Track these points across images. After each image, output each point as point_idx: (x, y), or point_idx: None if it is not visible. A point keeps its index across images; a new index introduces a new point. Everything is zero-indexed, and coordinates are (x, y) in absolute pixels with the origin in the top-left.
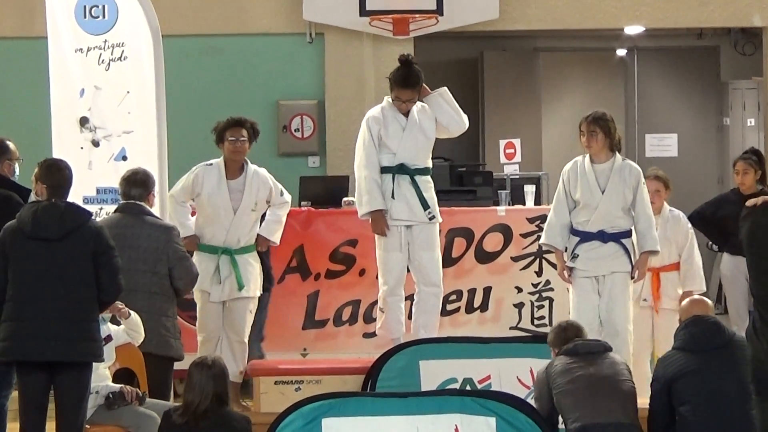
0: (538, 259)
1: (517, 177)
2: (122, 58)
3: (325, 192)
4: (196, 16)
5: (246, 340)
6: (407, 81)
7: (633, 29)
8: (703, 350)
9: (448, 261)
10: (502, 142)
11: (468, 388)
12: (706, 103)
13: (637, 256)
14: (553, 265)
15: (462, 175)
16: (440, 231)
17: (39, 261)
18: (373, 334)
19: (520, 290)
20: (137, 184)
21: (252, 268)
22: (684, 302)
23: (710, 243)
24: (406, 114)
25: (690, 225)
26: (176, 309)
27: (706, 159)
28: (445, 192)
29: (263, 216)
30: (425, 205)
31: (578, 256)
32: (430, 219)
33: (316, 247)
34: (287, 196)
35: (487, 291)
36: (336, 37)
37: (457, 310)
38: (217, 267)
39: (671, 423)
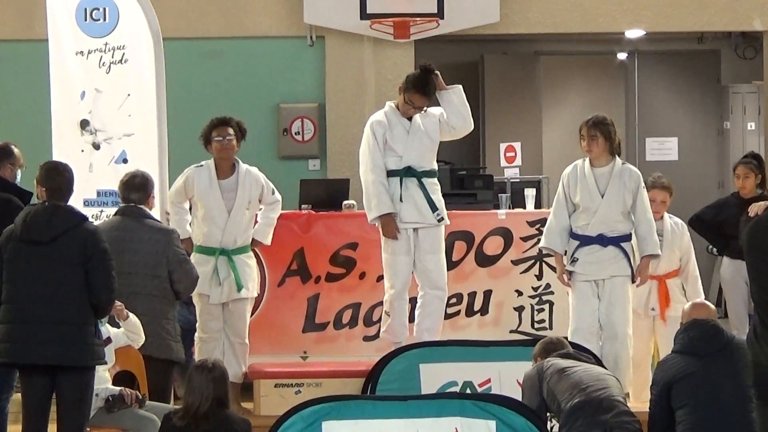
0: (538, 263)
1: (518, 180)
2: (123, 61)
3: (326, 195)
4: (197, 19)
5: (247, 340)
6: (425, 88)
7: (633, 33)
8: (702, 353)
9: (449, 264)
10: (503, 146)
11: (468, 391)
12: (706, 107)
13: (637, 260)
14: (554, 269)
15: (462, 178)
16: None
17: (30, 264)
18: (373, 337)
19: (520, 294)
20: (136, 187)
21: (249, 268)
22: (686, 306)
23: (710, 246)
24: (410, 118)
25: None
26: (176, 312)
27: (706, 163)
28: (446, 195)
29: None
30: (433, 207)
31: (578, 259)
32: (439, 221)
33: (317, 250)
34: (278, 195)
35: (488, 294)
36: (337, 41)
37: (458, 313)
38: (215, 269)
39: (671, 426)
